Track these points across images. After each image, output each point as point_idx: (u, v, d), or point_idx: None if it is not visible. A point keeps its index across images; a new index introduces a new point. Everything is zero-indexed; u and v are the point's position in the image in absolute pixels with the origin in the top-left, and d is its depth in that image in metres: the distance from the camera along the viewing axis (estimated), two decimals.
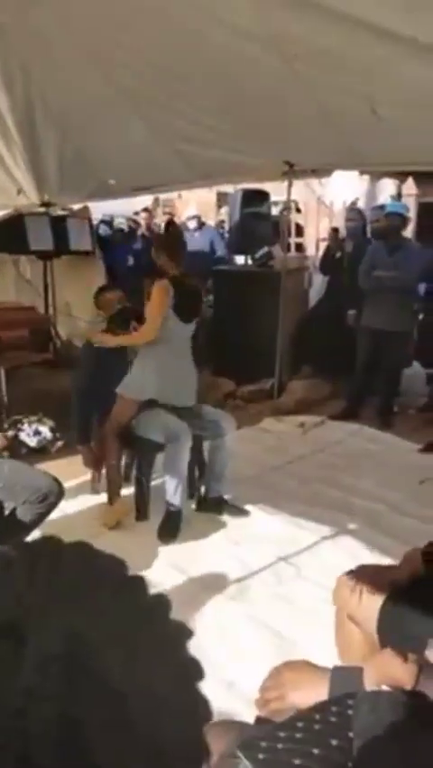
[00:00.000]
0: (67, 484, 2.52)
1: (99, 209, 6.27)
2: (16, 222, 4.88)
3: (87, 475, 3.30)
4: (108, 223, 6.54)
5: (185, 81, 3.21)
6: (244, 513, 3.09)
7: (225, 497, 3.14)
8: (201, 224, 6.47)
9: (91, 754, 0.26)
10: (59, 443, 3.86)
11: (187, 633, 0.34)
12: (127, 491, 3.24)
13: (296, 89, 3.02)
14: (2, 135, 4.16)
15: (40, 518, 2.29)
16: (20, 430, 3.86)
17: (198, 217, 6.45)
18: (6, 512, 2.31)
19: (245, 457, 3.59)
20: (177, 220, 7.36)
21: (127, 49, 3.08)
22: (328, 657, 1.42)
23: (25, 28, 3.27)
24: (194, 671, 0.33)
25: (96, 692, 0.28)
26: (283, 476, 3.65)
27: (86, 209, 5.59)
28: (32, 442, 3.84)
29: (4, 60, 3.53)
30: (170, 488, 2.85)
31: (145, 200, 7.39)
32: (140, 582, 0.35)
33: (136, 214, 6.92)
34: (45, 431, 3.92)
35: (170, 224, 5.03)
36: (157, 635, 0.33)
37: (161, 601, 0.34)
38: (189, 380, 3.04)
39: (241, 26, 2.64)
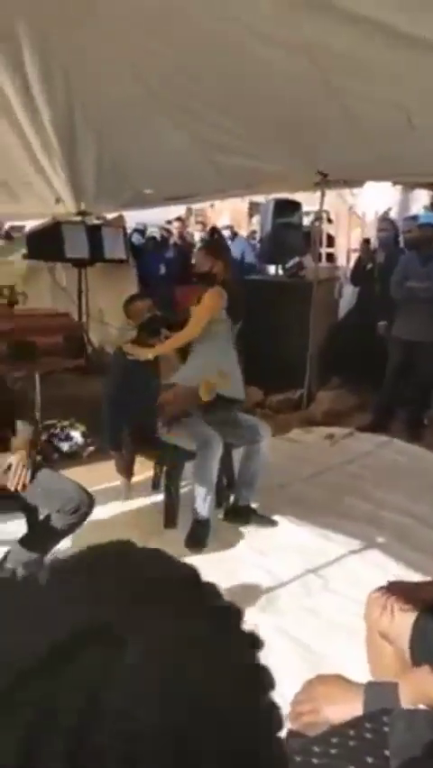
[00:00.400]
0: (96, 488, 2.55)
1: (132, 218, 6.37)
2: (53, 230, 4.98)
3: (117, 481, 3.33)
4: (141, 231, 6.62)
5: (220, 91, 3.26)
6: (272, 523, 3.09)
7: (253, 506, 3.14)
8: (234, 235, 6.52)
9: (189, 758, 0.27)
10: (90, 449, 3.96)
11: (258, 641, 0.35)
12: (156, 499, 3.27)
13: (328, 99, 3.04)
14: (43, 146, 4.26)
15: (71, 528, 2.32)
16: (52, 435, 3.96)
17: (231, 227, 6.50)
18: (41, 517, 2.36)
19: (273, 467, 3.58)
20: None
21: (165, 59, 3.14)
22: (359, 671, 1.41)
23: (69, 41, 3.36)
24: (267, 679, 0.34)
25: (188, 697, 0.29)
26: (311, 487, 3.64)
27: (121, 218, 5.68)
28: (64, 446, 3.95)
29: (48, 72, 3.62)
30: (199, 496, 2.86)
31: (178, 209, 7.47)
32: (213, 588, 0.36)
33: (169, 222, 6.99)
34: (77, 436, 4.02)
35: (215, 230, 5.12)
36: (232, 641, 0.33)
37: (234, 608, 0.35)
38: (240, 375, 3.27)
39: (275, 36, 2.67)
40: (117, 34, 3.15)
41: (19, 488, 2.25)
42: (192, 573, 0.37)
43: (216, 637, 0.33)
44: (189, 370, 3.12)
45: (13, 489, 2.25)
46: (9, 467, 2.27)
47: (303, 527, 3.06)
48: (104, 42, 3.27)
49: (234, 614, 0.35)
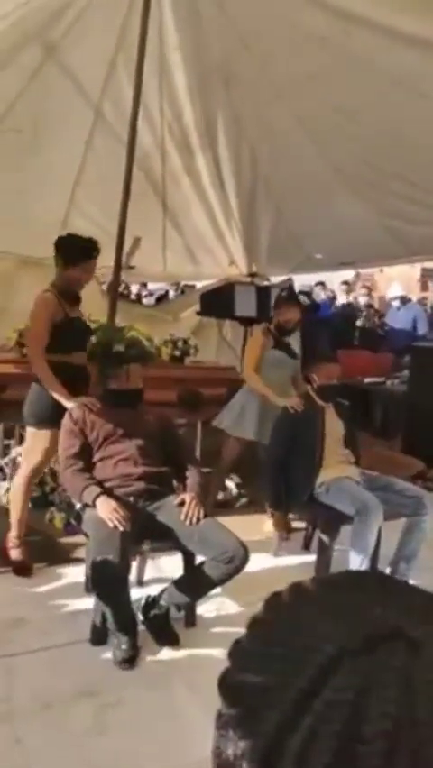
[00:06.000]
0: (246, 540, 2.53)
1: (299, 279, 6.53)
2: (226, 290, 5.27)
3: (268, 534, 3.30)
4: (307, 294, 6.76)
5: (404, 163, 3.28)
6: None
7: (411, 582, 2.91)
8: (405, 301, 6.41)
9: None
10: (243, 500, 3.99)
11: None
12: (306, 558, 3.18)
13: None
14: (224, 214, 4.62)
15: (224, 578, 2.33)
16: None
17: (402, 297, 6.40)
18: (195, 563, 2.41)
19: (430, 544, 3.32)
20: (375, 295, 7.36)
21: (352, 136, 3.26)
22: None
23: (259, 121, 3.66)
24: None
25: None
26: None
27: (288, 280, 5.86)
28: (218, 495, 4.02)
29: (237, 149, 3.96)
30: (354, 563, 2.73)
31: (345, 274, 7.53)
32: None
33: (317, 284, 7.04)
34: (231, 486, 4.08)
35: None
36: None
37: None
38: None
39: None
40: (304, 113, 3.36)
41: (194, 521, 2.37)
42: None
43: None
44: None
45: (188, 522, 2.37)
46: (182, 503, 2.41)
47: None
48: (290, 121, 3.50)
49: None
